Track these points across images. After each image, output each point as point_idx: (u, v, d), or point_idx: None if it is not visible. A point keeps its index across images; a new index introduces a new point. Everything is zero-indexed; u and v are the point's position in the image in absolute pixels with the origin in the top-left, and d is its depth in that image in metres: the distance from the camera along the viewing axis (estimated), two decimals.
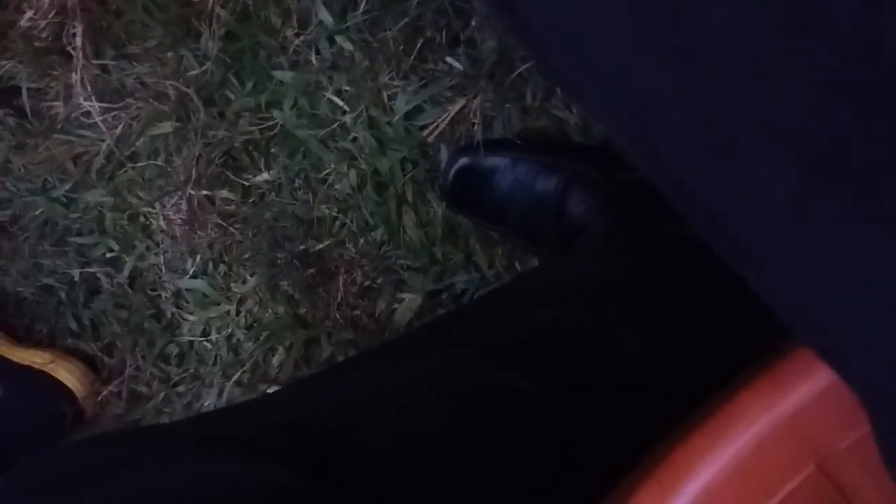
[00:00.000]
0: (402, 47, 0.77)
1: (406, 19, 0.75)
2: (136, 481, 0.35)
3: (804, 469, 0.37)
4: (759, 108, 0.24)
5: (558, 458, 0.44)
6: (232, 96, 0.85)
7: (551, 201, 0.71)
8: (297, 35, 0.81)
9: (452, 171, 0.73)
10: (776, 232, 0.27)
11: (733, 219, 0.28)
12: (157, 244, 0.89)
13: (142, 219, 0.90)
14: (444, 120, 0.76)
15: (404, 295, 0.78)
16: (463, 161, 0.73)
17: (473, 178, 0.73)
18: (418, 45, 0.76)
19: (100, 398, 0.92)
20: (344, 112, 0.80)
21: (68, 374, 0.90)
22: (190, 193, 0.85)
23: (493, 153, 0.73)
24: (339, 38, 0.79)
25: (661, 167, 0.29)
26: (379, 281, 0.79)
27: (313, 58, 0.80)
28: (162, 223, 0.88)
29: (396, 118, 0.77)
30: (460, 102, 0.75)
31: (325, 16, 0.79)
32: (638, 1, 0.25)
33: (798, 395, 0.38)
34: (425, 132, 0.77)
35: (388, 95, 0.78)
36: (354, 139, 0.79)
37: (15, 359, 0.91)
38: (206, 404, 0.90)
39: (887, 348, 0.26)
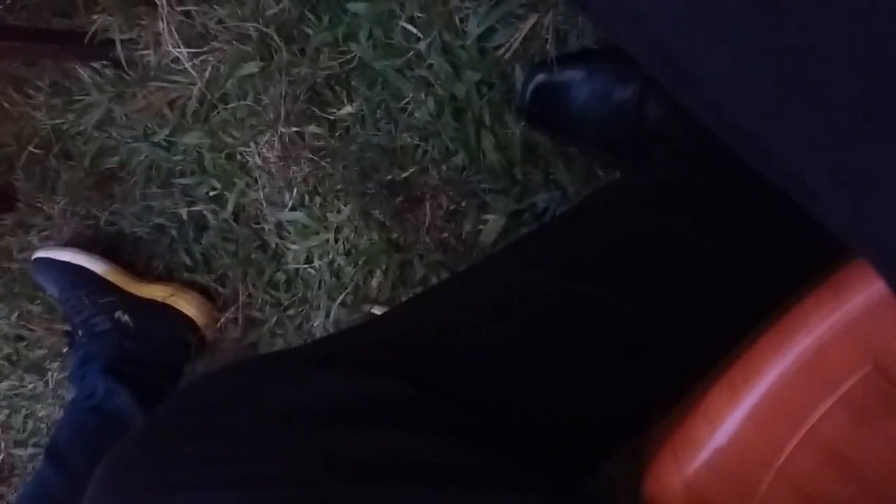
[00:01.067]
0: None
1: None
2: (276, 397, 0.41)
3: (862, 368, 0.39)
4: None
5: (633, 357, 0.48)
6: (310, 32, 0.87)
7: (629, 109, 0.70)
8: None
9: (529, 89, 0.74)
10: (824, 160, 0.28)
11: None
12: (256, 180, 0.94)
13: (239, 157, 0.95)
14: (516, 39, 0.76)
15: (488, 216, 0.81)
16: (539, 78, 0.73)
17: (550, 94, 0.73)
18: None
19: (218, 325, 0.99)
20: (418, 39, 0.81)
21: (188, 305, 0.98)
22: (281, 131, 0.89)
23: (568, 66, 0.73)
24: None
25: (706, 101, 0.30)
26: (463, 204, 0.82)
27: None
28: (258, 160, 0.93)
29: (470, 41, 0.78)
30: (532, 19, 0.75)
31: None
32: None
33: (855, 302, 0.40)
34: (499, 52, 0.78)
35: (460, 18, 0.79)
36: (430, 66, 0.81)
37: (139, 293, 0.99)
38: (315, 325, 0.96)
39: None
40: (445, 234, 0.83)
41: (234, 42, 0.91)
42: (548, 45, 0.76)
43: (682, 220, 0.54)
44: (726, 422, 0.36)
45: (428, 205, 0.84)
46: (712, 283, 0.51)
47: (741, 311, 0.49)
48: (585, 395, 0.46)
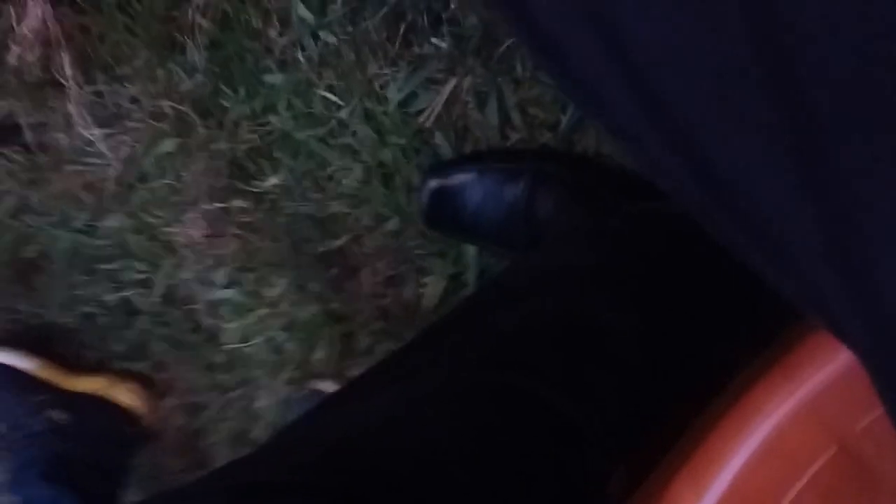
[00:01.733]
0: (385, 35, 0.75)
1: (385, 7, 0.74)
2: None
3: (827, 450, 0.38)
4: None
5: (558, 445, 0.46)
6: (227, 105, 0.84)
7: (519, 206, 0.72)
8: (281, 35, 0.80)
9: (424, 195, 0.74)
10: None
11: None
12: (183, 260, 0.91)
13: (163, 237, 0.91)
14: (438, 103, 0.75)
15: (427, 279, 0.79)
16: (433, 184, 0.74)
17: (445, 197, 0.74)
18: (402, 31, 0.75)
19: (159, 414, 0.95)
20: (339, 107, 0.79)
21: (126, 395, 0.94)
22: (204, 208, 0.86)
23: (459, 170, 0.73)
24: (322, 34, 0.78)
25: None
26: (401, 269, 0.80)
27: (300, 55, 0.79)
28: (183, 239, 0.90)
29: (392, 107, 0.77)
30: (452, 83, 0.74)
31: (305, 12, 0.78)
32: None
33: (811, 384, 0.39)
34: (421, 118, 0.76)
35: (380, 85, 0.77)
36: (354, 133, 0.79)
37: (73, 388, 0.95)
38: (261, 405, 0.93)
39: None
40: (387, 301, 0.81)
41: (148, 120, 0.88)
42: (467, 109, 0.75)
43: (589, 297, 0.53)
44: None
45: (363, 273, 0.81)
46: (622, 352, 0.50)
47: (658, 381, 0.48)
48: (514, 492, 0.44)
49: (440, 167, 0.74)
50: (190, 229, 0.88)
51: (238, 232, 0.86)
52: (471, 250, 0.76)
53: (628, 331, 0.50)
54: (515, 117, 0.73)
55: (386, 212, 0.79)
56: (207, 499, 0.39)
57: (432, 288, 0.79)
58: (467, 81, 0.73)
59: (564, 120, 0.73)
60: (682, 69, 0.25)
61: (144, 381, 0.96)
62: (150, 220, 0.91)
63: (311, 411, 0.49)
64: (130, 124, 0.89)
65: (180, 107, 0.84)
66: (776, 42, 0.22)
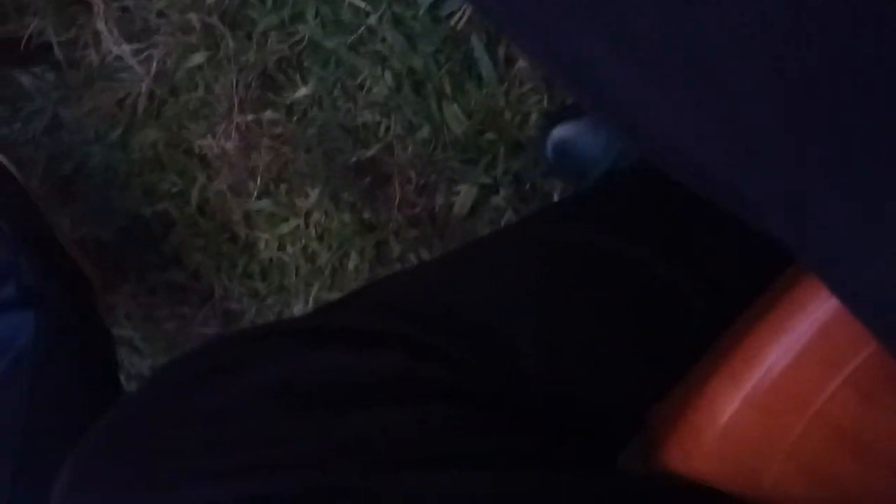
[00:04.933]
0: None
1: None
2: (266, 374, 0.36)
3: (867, 347, 0.39)
4: None
5: (669, 319, 0.44)
6: (255, 16, 0.84)
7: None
8: None
9: (549, 147, 0.70)
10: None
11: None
12: (217, 172, 0.92)
13: (197, 150, 0.92)
14: (469, 6, 0.74)
15: (459, 188, 0.80)
16: (557, 133, 0.70)
17: (569, 146, 0.70)
18: None
19: (198, 317, 0.98)
20: (367, 14, 0.79)
21: None
22: (236, 120, 0.87)
23: (575, 116, 0.69)
24: None
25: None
26: (433, 178, 0.81)
27: None
28: (217, 151, 0.90)
29: (421, 11, 0.76)
30: None
31: None
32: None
33: None
34: (452, 21, 0.76)
35: None
36: (383, 40, 0.79)
37: None
38: (295, 311, 0.95)
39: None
40: (418, 210, 0.82)
41: (177, 33, 0.88)
42: None
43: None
44: (730, 409, 0.36)
45: (397, 182, 0.82)
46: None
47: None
48: (619, 359, 0.42)
49: (556, 116, 0.70)
50: (223, 141, 0.89)
51: (270, 143, 0.87)
52: (503, 156, 0.76)
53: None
54: None
55: (417, 120, 0.79)
56: (279, 338, 0.38)
57: (464, 195, 0.79)
58: None
59: None
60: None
61: (182, 290, 0.97)
62: (184, 133, 0.92)
63: (405, 271, 0.47)
64: (159, 38, 0.89)
65: (208, 19, 0.84)
66: None
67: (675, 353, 0.44)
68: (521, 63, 0.75)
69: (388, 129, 0.82)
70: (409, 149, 0.81)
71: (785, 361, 0.39)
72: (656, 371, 0.44)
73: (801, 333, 0.39)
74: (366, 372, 0.37)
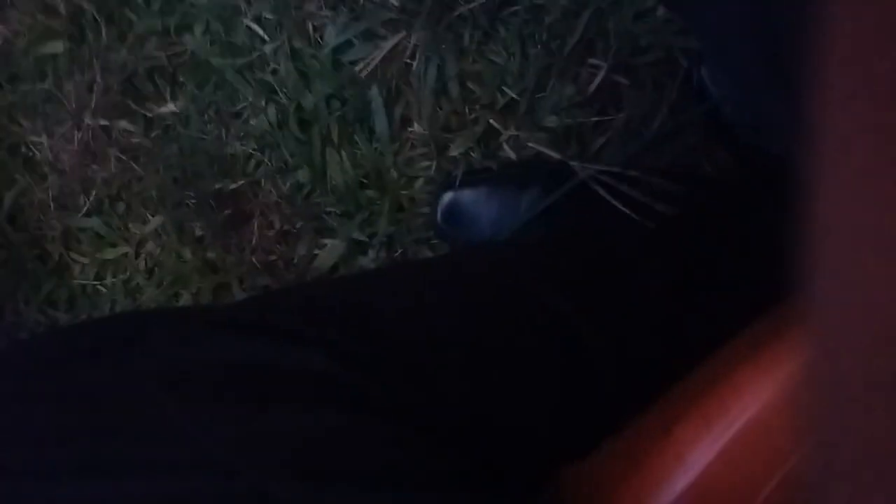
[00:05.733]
0: None
1: None
2: (163, 354, 0.33)
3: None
4: None
5: (566, 358, 0.43)
6: (134, 17, 0.77)
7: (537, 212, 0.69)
8: None
9: (439, 210, 0.68)
10: None
11: None
12: (44, 178, 0.80)
13: (24, 149, 0.81)
14: (375, 57, 0.71)
15: (326, 241, 0.74)
16: (447, 198, 0.68)
17: (459, 210, 0.69)
18: None
19: None
20: (264, 41, 0.74)
21: None
22: (85, 123, 0.77)
23: (471, 183, 0.69)
24: None
25: None
26: (298, 225, 0.74)
27: None
28: (49, 155, 0.80)
29: (325, 51, 0.72)
30: (395, 39, 0.71)
31: None
32: None
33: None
34: (356, 68, 0.72)
35: (314, 26, 0.73)
36: (275, 72, 0.74)
37: None
38: None
39: None
40: (274, 257, 0.75)
41: (37, 14, 0.78)
42: (406, 69, 0.71)
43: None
44: (699, 460, 0.33)
45: (256, 222, 0.75)
46: (646, 289, 0.50)
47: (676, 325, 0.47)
48: (521, 393, 0.41)
49: (451, 181, 0.69)
50: (61, 144, 0.79)
51: (118, 155, 0.78)
52: (385, 215, 0.72)
53: (653, 269, 0.49)
54: (453, 88, 0.71)
55: (295, 161, 0.74)
56: (184, 320, 0.36)
57: (331, 249, 0.74)
58: (411, 40, 0.70)
59: (500, 101, 0.71)
60: None
61: None
62: (14, 127, 0.81)
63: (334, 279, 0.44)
64: (13, 14, 0.79)
65: (84, 3, 0.76)
66: None
67: (584, 411, 0.43)
68: (417, 127, 0.72)
69: (259, 164, 0.75)
70: (279, 190, 0.75)
71: (763, 411, 0.36)
72: (566, 425, 0.42)
73: (783, 383, 0.37)
74: (287, 368, 0.34)
